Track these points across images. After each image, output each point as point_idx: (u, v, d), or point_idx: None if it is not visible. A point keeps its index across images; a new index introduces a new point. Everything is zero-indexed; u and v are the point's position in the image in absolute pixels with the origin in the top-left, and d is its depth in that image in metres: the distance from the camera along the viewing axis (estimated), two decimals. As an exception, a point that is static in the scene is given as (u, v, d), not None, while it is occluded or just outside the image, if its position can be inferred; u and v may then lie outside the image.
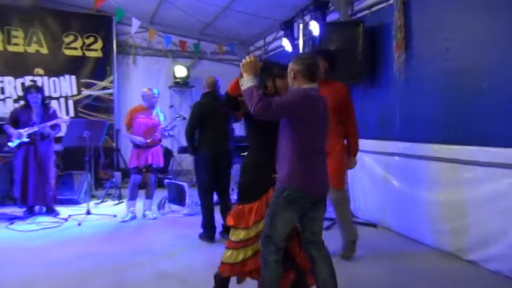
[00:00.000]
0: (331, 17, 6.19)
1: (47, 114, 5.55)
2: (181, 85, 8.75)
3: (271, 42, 8.34)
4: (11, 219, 5.38)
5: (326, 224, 4.85)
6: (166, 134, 5.74)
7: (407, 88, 4.80)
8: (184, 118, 7.38)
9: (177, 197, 5.96)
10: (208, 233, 4.55)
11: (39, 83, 7.59)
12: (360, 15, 5.78)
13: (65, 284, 3.40)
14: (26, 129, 5.35)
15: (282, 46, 7.29)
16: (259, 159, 2.84)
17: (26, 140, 5.37)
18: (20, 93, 7.62)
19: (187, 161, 8.67)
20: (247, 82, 2.56)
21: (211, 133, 4.50)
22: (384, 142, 5.04)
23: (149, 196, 5.67)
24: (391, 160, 4.89)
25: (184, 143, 8.09)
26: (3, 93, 7.58)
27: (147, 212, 5.65)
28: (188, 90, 8.95)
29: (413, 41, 4.72)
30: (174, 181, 6.28)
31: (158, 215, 5.74)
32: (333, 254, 2.83)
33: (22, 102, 5.88)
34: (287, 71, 2.67)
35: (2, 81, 7.55)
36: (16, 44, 7.60)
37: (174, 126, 5.91)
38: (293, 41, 6.87)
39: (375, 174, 5.14)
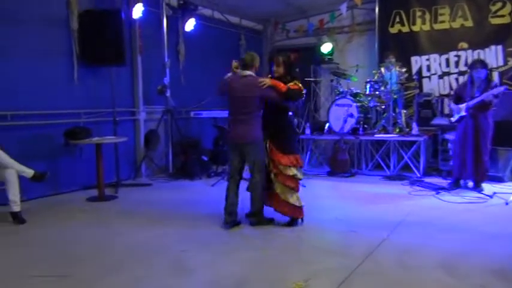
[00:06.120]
0: None
1: (489, 87, 5.41)
2: None
3: None
4: (437, 189, 5.72)
5: None
6: None
7: None
8: None
9: None
10: None
11: (462, 57, 7.65)
12: None
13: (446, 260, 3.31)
14: (464, 104, 5.53)
15: None
16: None
17: (463, 114, 5.55)
18: (445, 69, 7.93)
19: None
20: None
21: None
22: None
23: None
24: None
25: None
26: (429, 70, 8.09)
27: None
28: None
29: None
30: None
31: None
32: None
33: (465, 78, 6.22)
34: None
35: (428, 59, 8.07)
36: (442, 22, 7.89)
37: None
38: None
39: None
